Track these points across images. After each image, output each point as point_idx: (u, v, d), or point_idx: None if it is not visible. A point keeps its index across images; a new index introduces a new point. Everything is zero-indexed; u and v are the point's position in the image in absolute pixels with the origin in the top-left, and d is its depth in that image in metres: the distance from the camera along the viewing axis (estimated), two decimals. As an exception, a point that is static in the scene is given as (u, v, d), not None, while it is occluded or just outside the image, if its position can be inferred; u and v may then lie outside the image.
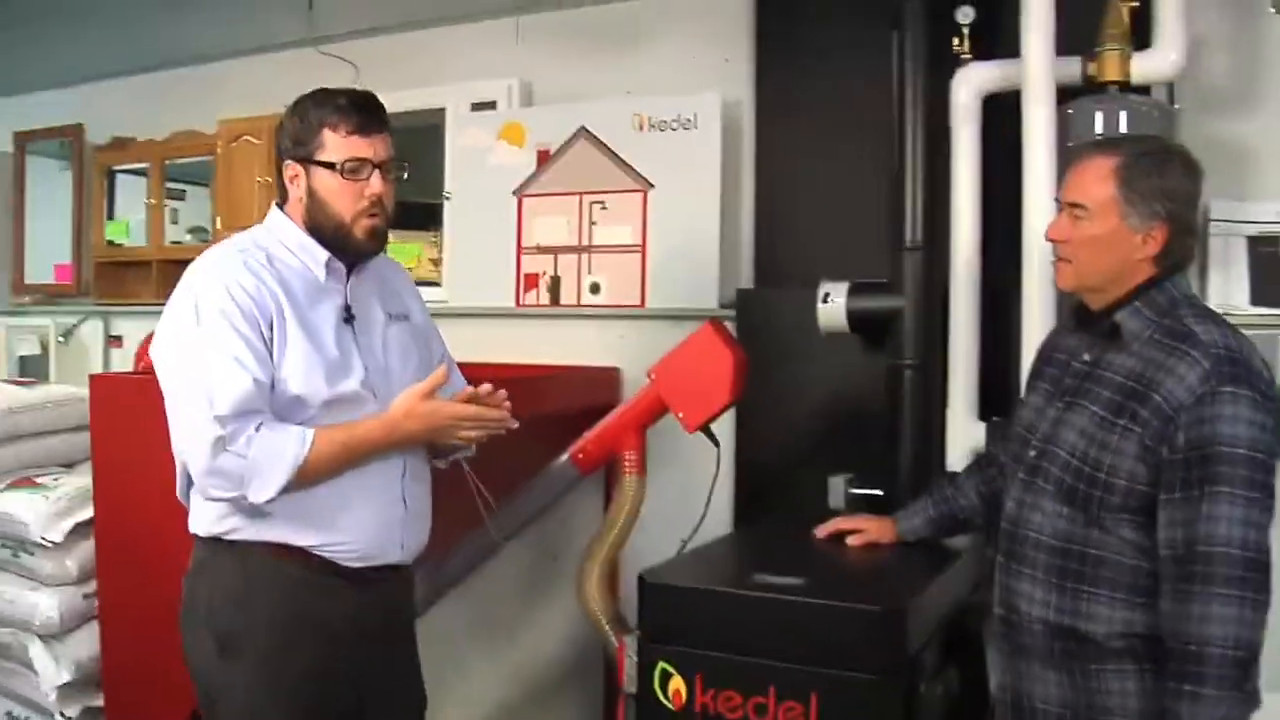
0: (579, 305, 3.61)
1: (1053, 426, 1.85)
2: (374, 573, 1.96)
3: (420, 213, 3.96)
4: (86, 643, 2.85)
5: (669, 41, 3.55)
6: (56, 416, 3.17)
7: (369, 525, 1.94)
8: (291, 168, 1.96)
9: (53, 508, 2.94)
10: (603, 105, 3.57)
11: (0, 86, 4.91)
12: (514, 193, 3.70)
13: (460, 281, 3.83)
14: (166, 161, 4.47)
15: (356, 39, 4.07)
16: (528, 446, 2.73)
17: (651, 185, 3.47)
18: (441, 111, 3.88)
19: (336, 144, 1.93)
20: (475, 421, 1.94)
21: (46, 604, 2.87)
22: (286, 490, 1.80)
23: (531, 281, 3.69)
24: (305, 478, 1.83)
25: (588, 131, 3.57)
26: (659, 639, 2.10)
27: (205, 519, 1.90)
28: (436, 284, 3.89)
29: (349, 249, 2.00)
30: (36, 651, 2.87)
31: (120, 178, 4.70)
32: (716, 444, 2.61)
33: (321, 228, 1.96)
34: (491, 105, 3.79)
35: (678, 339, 2.66)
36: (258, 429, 1.79)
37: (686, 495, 2.72)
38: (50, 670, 2.84)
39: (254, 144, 4.12)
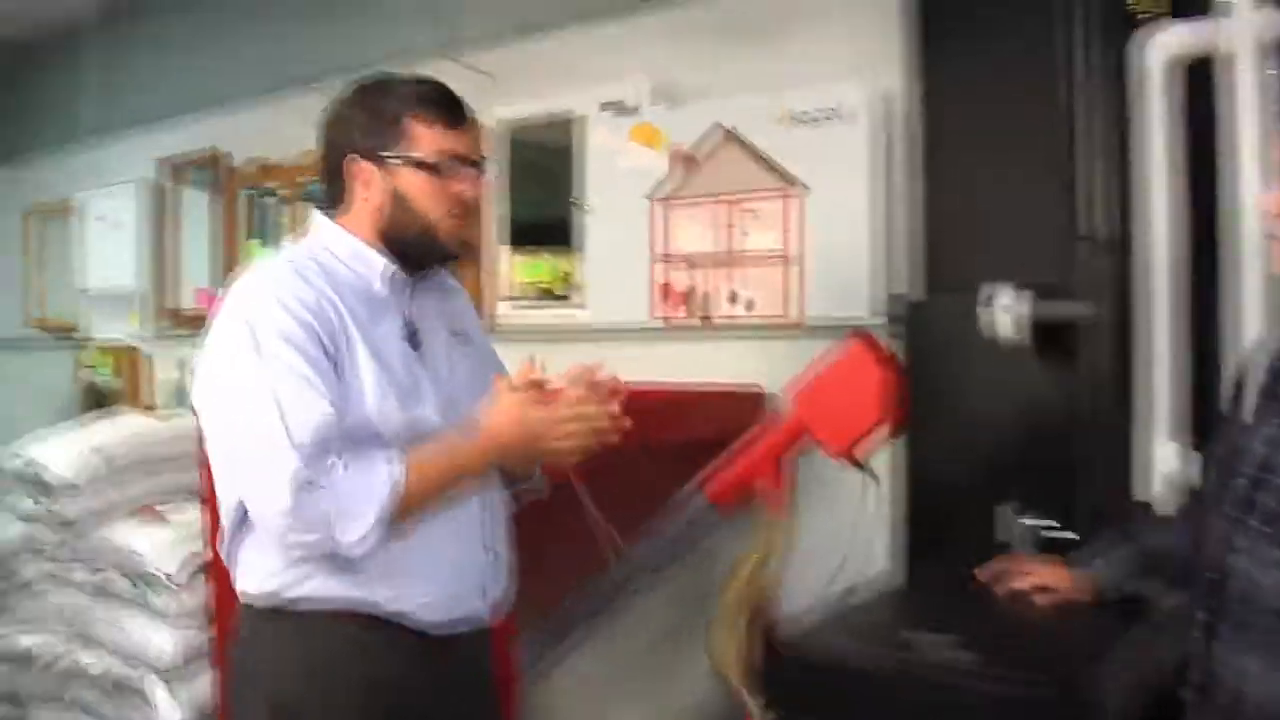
0: (723, 320, 3.32)
1: (1273, 449, 1.46)
2: (454, 632, 1.72)
3: (551, 226, 3.76)
4: (208, 683, 2.76)
5: (812, 27, 3.22)
6: (188, 448, 3.10)
7: (447, 575, 1.70)
8: (362, 167, 1.74)
9: (173, 541, 2.87)
10: (742, 100, 3.27)
11: (144, 114, 4.95)
12: (650, 198, 3.44)
13: (596, 298, 3.60)
14: (303, 183, 4.38)
15: (488, 48, 3.91)
16: (665, 478, 2.48)
17: (799, 185, 3.16)
18: (573, 116, 3.66)
19: (427, 138, 1.72)
20: (576, 421, 1.67)
21: (166, 641, 2.80)
22: (381, 528, 1.57)
23: (672, 295, 3.42)
24: (403, 509, 1.59)
25: (727, 129, 3.28)
26: (793, 715, 1.79)
27: (257, 576, 1.68)
28: (565, 299, 3.68)
29: (433, 255, 1.80)
30: (155, 689, 2.78)
31: (261, 201, 4.65)
32: (873, 477, 2.27)
33: (401, 234, 1.75)
34: (626, 107, 3.55)
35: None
36: (342, 459, 1.57)
37: (852, 533, 2.39)
38: (168, 708, 2.76)
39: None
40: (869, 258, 3.04)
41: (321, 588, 1.63)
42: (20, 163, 5.77)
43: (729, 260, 3.30)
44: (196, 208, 4.82)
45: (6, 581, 3.21)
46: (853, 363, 2.24)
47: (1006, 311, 2.45)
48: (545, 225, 3.85)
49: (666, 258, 3.40)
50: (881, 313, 2.98)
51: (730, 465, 2.35)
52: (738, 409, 3.02)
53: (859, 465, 2.27)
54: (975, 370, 2.66)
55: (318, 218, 1.81)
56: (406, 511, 1.60)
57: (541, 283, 3.80)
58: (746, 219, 3.27)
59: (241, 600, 1.73)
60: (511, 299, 3.87)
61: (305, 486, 1.54)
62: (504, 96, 3.84)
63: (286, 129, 4.43)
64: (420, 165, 1.71)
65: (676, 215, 3.39)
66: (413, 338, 1.76)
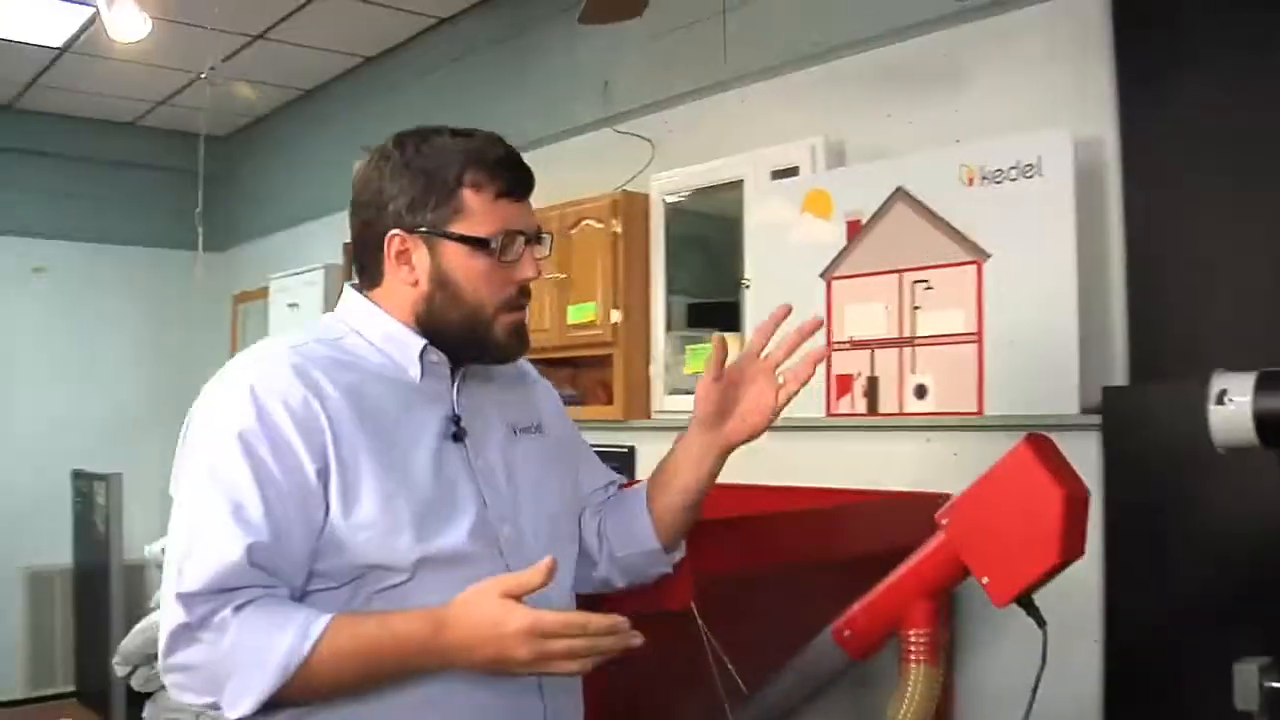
0: (900, 414, 2.84)
1: None
2: None
3: (719, 307, 3.40)
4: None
5: (1001, 71, 2.74)
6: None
7: None
8: (402, 241, 1.43)
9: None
10: (921, 159, 2.83)
11: (327, 205, 5.00)
12: (821, 275, 3.02)
13: (761, 386, 3.19)
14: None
15: (651, 112, 3.64)
16: (816, 603, 2.04)
17: (987, 255, 2.67)
18: (739, 185, 3.31)
19: (484, 210, 1.42)
20: (573, 654, 1.26)
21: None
22: (282, 706, 1.23)
23: (844, 384, 2.98)
24: (309, 691, 1.24)
25: (905, 193, 2.83)
26: None
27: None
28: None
29: (487, 353, 1.47)
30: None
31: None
32: (1041, 624, 1.75)
33: (444, 324, 1.44)
34: (793, 171, 3.16)
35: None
36: (239, 609, 1.23)
37: (1026, 691, 1.87)
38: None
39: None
40: (1077, 339, 2.50)
41: None
42: (233, 251, 6.02)
43: (905, 343, 2.83)
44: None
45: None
46: (1019, 476, 1.74)
47: (1226, 404, 1.89)
48: (712, 306, 3.52)
49: (838, 343, 2.97)
50: (1092, 407, 2.44)
51: (870, 603, 1.89)
52: (913, 519, 2.54)
53: (1026, 606, 1.75)
54: (1202, 481, 2.09)
55: (348, 293, 1.52)
56: (321, 691, 1.26)
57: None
58: (926, 295, 2.80)
59: None
60: (676, 391, 3.53)
61: (185, 638, 1.24)
62: (664, 163, 3.55)
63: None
64: (474, 243, 1.41)
65: (847, 293, 2.96)
66: (459, 435, 1.44)
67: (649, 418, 3.56)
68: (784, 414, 2.97)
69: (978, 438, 2.66)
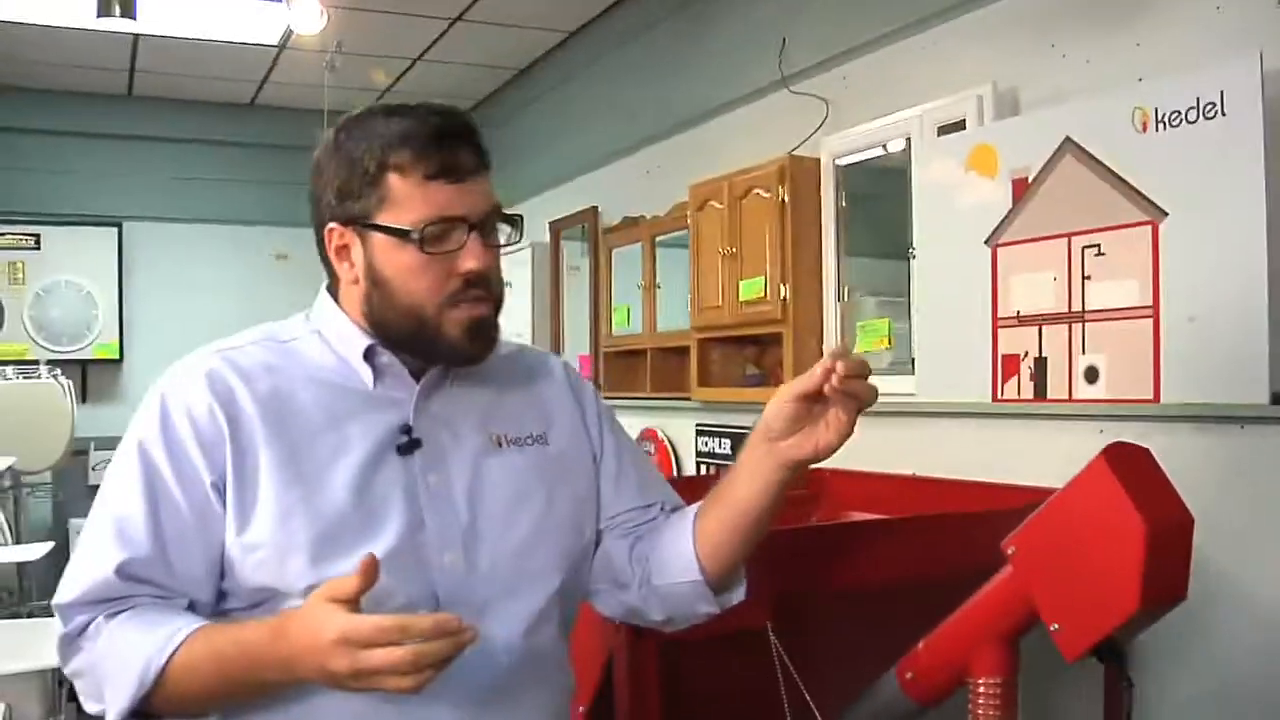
0: (1070, 399, 2.47)
1: None
2: None
3: (891, 279, 3.10)
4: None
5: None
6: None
7: None
8: (341, 235, 1.28)
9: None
10: (1091, 103, 2.42)
11: (540, 184, 4.99)
12: (986, 243, 2.67)
13: (926, 368, 2.87)
14: (657, 239, 4.07)
15: (827, 69, 3.36)
16: (919, 625, 1.79)
17: (1164, 213, 2.25)
18: (901, 141, 2.98)
19: (410, 196, 1.24)
20: (396, 666, 1.05)
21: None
22: (152, 716, 1.16)
23: (1011, 365, 2.62)
24: (177, 701, 1.15)
25: (1074, 144, 2.44)
26: None
27: None
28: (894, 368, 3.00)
29: (440, 354, 1.30)
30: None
31: (624, 261, 4.42)
32: (1125, 679, 1.43)
33: (390, 324, 1.28)
34: (960, 126, 2.81)
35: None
36: (113, 615, 1.18)
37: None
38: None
39: (717, 209, 3.55)
40: (1267, 313, 2.07)
41: None
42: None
43: (1075, 318, 2.45)
44: (577, 267, 4.74)
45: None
46: (1094, 498, 1.41)
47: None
48: (883, 278, 3.22)
49: (1004, 319, 2.61)
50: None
51: (933, 642, 1.62)
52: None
53: (1107, 659, 1.43)
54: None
55: (321, 294, 1.39)
56: (181, 705, 1.16)
57: (880, 348, 3.15)
58: (1097, 263, 2.40)
59: None
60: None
61: (70, 648, 1.20)
62: (837, 123, 3.27)
63: (652, 184, 4.21)
64: (397, 234, 1.24)
65: (1013, 261, 2.60)
66: (409, 446, 1.28)
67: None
68: (950, 397, 2.70)
69: (1157, 430, 2.26)
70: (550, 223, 4.91)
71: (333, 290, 1.36)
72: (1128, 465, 1.43)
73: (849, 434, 1.24)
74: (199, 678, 1.14)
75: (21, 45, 4.99)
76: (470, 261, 1.25)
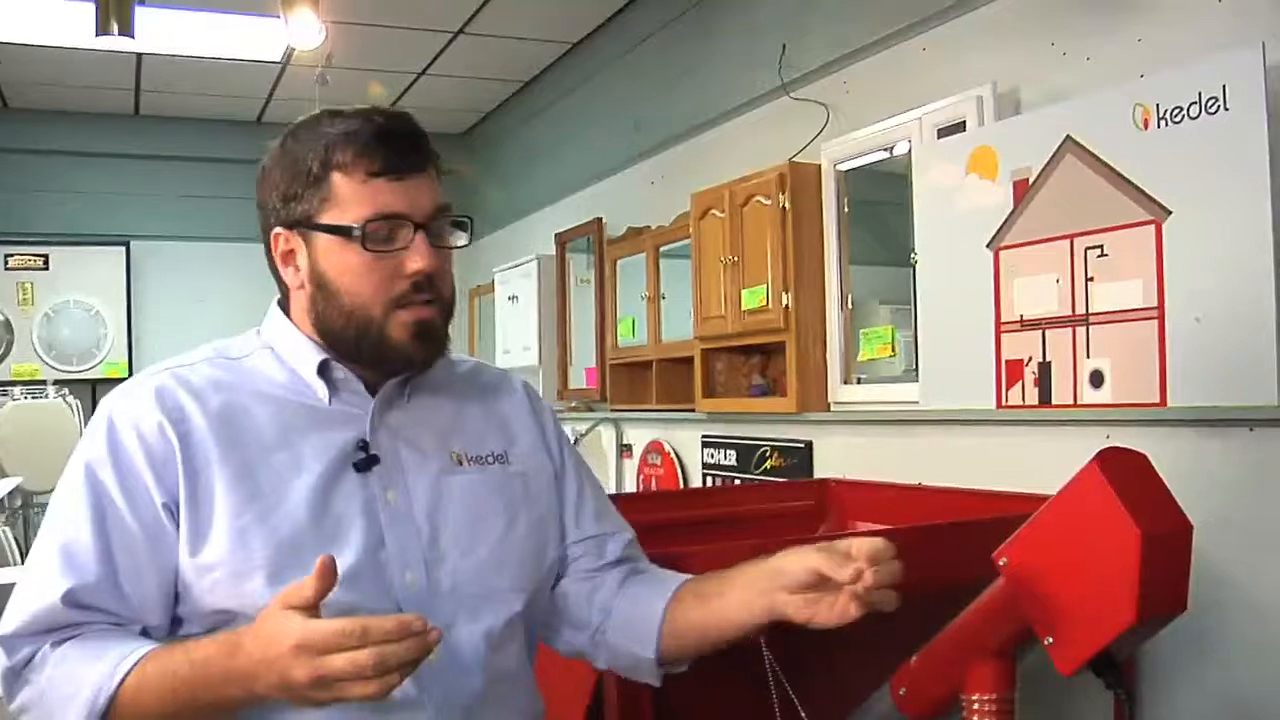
0: (1075, 404, 2.40)
1: None
2: None
3: (893, 285, 3.05)
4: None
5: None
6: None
7: None
8: (287, 240, 1.25)
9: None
10: (1091, 100, 2.37)
11: (550, 195, 4.96)
12: (988, 246, 2.61)
13: (929, 375, 2.81)
14: (661, 249, 4.03)
15: (828, 74, 3.31)
16: (920, 639, 1.74)
17: (1167, 211, 2.19)
18: (900, 144, 2.93)
19: (353, 194, 1.20)
20: (359, 670, 0.99)
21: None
22: None
23: (1014, 371, 2.56)
24: None
25: (1075, 143, 2.38)
26: None
27: None
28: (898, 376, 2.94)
29: (387, 360, 1.25)
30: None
31: (629, 272, 4.38)
32: (1124, 697, 1.36)
33: (336, 331, 1.24)
34: (960, 127, 2.75)
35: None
36: (58, 644, 1.13)
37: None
38: None
39: (718, 217, 3.50)
40: (1276, 313, 2.01)
41: None
42: (473, 245, 6.18)
43: (1079, 321, 2.39)
44: (582, 279, 4.71)
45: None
46: (1087, 505, 1.35)
47: None
48: (887, 284, 3.16)
49: (1007, 324, 2.56)
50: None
51: (925, 657, 1.56)
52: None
53: (1104, 674, 1.37)
54: None
55: (272, 307, 1.36)
56: None
57: (883, 356, 3.10)
58: (1100, 264, 2.34)
59: None
60: (852, 379, 3.20)
61: (15, 681, 1.15)
62: (837, 128, 3.23)
63: (656, 194, 4.17)
64: (339, 232, 1.20)
65: (1016, 264, 2.54)
66: (366, 463, 1.24)
67: (827, 409, 3.25)
68: (954, 404, 2.64)
69: (1164, 434, 2.20)
70: (555, 235, 4.87)
71: (284, 305, 1.33)
72: (1122, 471, 1.37)
73: (849, 621, 1.23)
74: (154, 702, 1.09)
75: (27, 67, 5.00)
76: (417, 261, 1.22)
